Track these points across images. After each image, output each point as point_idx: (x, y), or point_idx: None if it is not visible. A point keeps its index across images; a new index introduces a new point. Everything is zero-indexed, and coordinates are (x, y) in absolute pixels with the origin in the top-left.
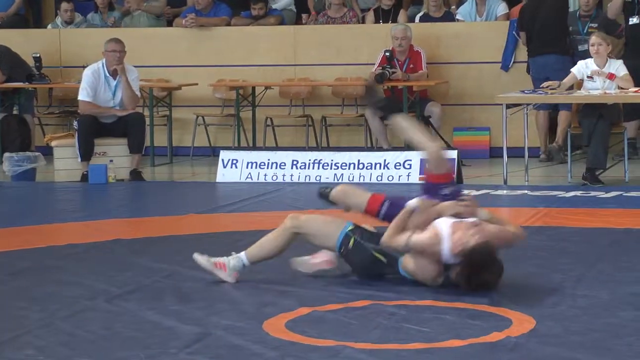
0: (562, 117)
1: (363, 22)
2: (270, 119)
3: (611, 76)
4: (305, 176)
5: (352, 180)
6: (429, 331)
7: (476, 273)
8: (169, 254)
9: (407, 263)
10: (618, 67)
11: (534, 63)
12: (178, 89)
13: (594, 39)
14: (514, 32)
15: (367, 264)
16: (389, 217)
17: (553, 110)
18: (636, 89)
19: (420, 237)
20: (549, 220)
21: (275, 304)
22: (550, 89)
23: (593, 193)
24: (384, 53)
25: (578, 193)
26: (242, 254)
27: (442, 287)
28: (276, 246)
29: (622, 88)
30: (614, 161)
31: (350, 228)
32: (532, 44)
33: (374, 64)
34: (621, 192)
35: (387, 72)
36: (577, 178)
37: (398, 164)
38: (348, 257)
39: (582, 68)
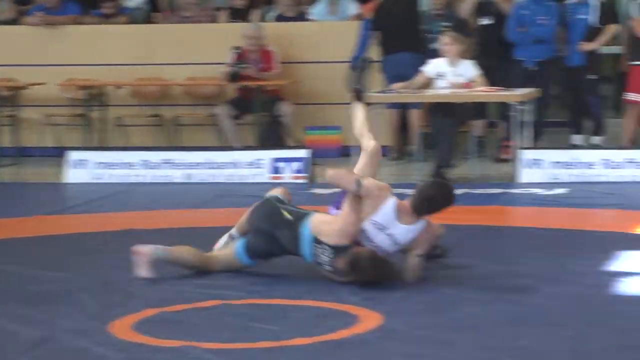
0: (413, 116)
1: (216, 21)
2: (121, 118)
3: (467, 85)
4: (156, 176)
5: (202, 179)
6: (277, 330)
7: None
8: (14, 256)
9: (320, 218)
10: (470, 68)
11: (387, 61)
12: (24, 88)
13: (445, 38)
14: (365, 31)
15: (271, 217)
16: None
17: (404, 109)
18: (482, 88)
19: (374, 181)
20: None
21: (122, 305)
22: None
23: None
24: (235, 51)
25: None
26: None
27: (296, 281)
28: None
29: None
30: (462, 159)
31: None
32: (386, 43)
33: (226, 63)
34: (468, 190)
35: (239, 70)
36: (426, 176)
37: (249, 164)
38: (257, 209)
39: (433, 67)
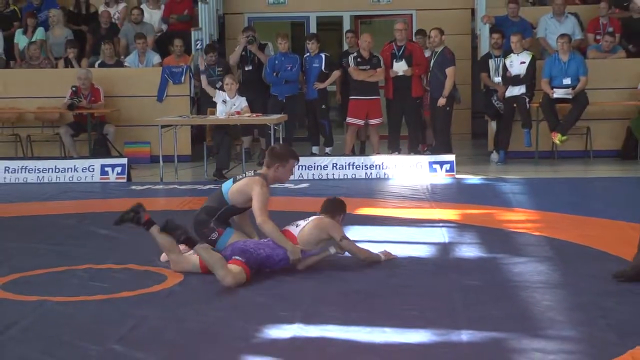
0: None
1: (56, 67)
2: None
3: (238, 113)
4: (15, 178)
5: (50, 180)
6: (108, 286)
7: None
8: None
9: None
10: (241, 101)
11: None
12: None
13: (227, 79)
14: (165, 75)
15: None
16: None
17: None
18: (248, 114)
19: None
20: (193, 206)
21: None
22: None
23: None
24: (71, 89)
25: (211, 186)
26: None
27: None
28: None
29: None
30: (235, 163)
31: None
32: None
33: (65, 97)
34: None
35: (75, 102)
36: (210, 176)
37: (84, 168)
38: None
39: (220, 94)
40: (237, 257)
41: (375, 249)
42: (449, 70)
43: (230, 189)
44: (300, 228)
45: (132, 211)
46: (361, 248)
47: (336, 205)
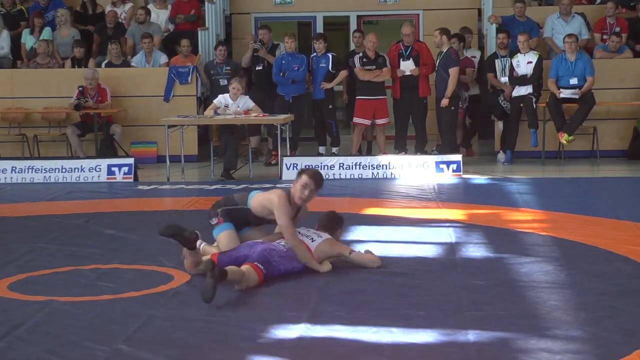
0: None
1: (63, 67)
2: None
3: (245, 113)
4: (22, 178)
5: (57, 180)
6: (115, 286)
7: None
8: None
9: None
10: (246, 101)
11: None
12: None
13: (234, 83)
14: (172, 75)
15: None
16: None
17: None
18: (256, 114)
19: None
20: (199, 206)
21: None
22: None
23: (228, 186)
24: (78, 89)
25: (218, 186)
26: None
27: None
28: None
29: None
30: (242, 163)
31: None
32: None
33: (72, 97)
34: (247, 185)
35: (81, 102)
36: (217, 176)
37: (91, 168)
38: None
39: (221, 99)
40: (260, 266)
41: (380, 249)
42: (452, 71)
43: (255, 194)
44: (315, 245)
45: (186, 240)
46: (369, 256)
47: (335, 222)
